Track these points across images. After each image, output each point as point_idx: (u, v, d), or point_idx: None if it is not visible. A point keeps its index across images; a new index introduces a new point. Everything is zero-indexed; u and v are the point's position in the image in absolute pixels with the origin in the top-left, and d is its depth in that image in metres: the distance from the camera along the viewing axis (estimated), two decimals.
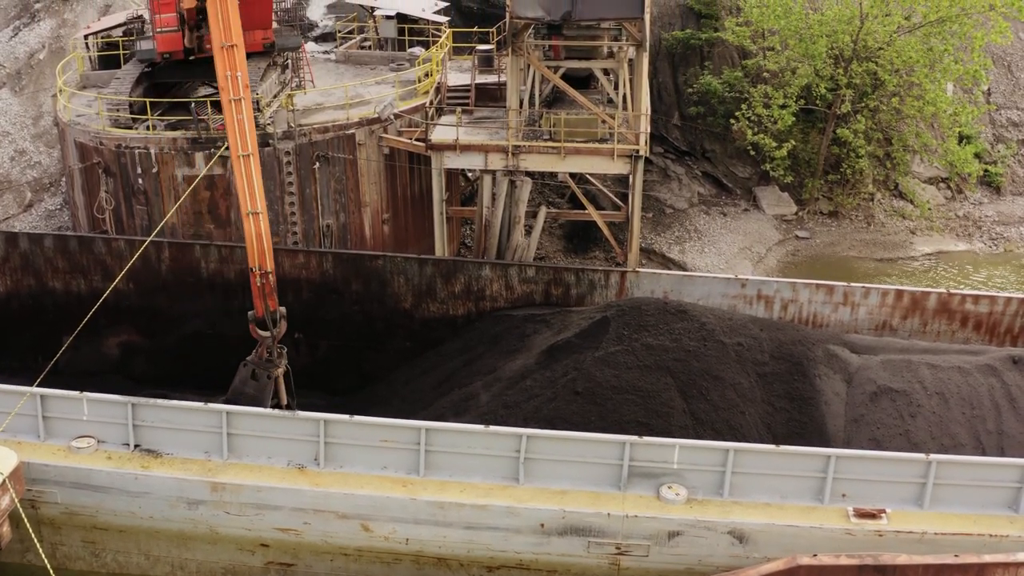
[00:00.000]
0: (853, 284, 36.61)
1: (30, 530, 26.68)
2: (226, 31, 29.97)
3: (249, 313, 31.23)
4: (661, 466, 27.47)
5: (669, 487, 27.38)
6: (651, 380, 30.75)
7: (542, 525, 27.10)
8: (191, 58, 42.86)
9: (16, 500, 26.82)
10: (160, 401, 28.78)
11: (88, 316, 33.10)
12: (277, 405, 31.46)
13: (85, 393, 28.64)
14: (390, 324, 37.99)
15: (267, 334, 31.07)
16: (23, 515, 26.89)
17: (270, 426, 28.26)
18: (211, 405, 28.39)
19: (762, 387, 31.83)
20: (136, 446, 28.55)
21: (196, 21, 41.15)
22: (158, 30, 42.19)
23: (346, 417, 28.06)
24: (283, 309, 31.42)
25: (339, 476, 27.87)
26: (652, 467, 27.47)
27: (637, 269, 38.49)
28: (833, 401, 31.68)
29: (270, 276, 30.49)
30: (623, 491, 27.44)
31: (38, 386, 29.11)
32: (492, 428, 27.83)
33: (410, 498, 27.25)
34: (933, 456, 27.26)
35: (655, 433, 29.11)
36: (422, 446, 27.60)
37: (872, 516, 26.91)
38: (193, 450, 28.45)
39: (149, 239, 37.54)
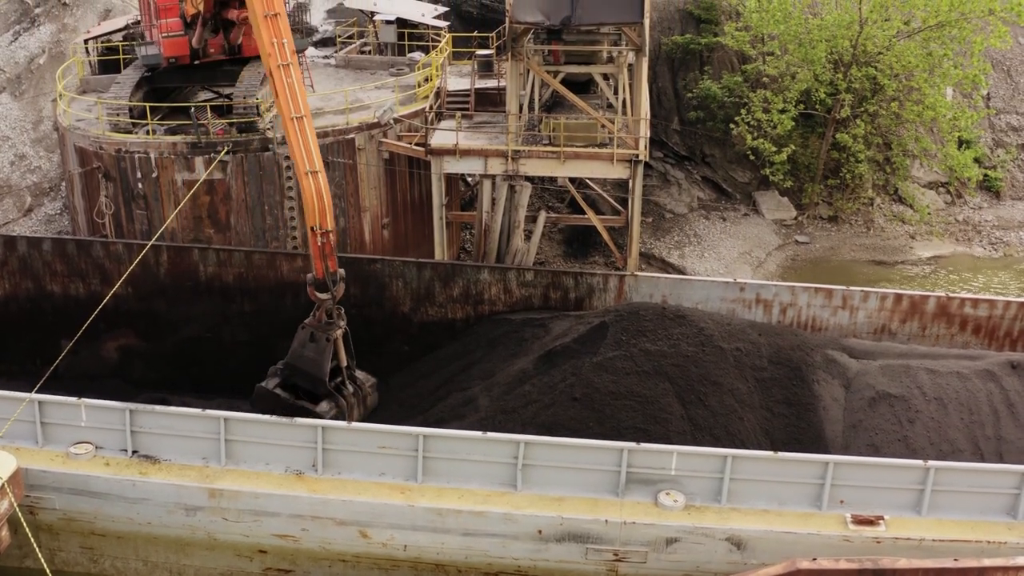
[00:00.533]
0: (852, 288, 36.62)
1: (29, 534, 26.69)
2: (267, 2, 30.87)
3: (308, 276, 31.57)
4: (659, 473, 27.48)
5: (667, 494, 27.38)
6: (649, 386, 30.76)
7: (540, 532, 27.11)
8: (196, 62, 42.92)
9: (15, 504, 26.84)
10: (158, 407, 28.79)
11: (88, 322, 33.19)
12: (337, 368, 31.71)
13: (83, 399, 28.66)
14: (388, 328, 38.02)
15: (326, 296, 31.25)
16: (22, 519, 26.90)
17: (268, 432, 28.26)
18: (209, 411, 28.37)
19: (760, 393, 31.84)
20: (134, 452, 28.58)
21: (212, 14, 41.41)
22: (164, 35, 42.16)
23: (343, 424, 28.12)
24: (342, 271, 31.79)
25: (337, 482, 27.86)
26: (650, 474, 27.48)
27: (636, 273, 38.48)
28: (831, 407, 31.69)
29: (330, 235, 30.84)
30: (621, 498, 27.44)
31: (38, 391, 29.16)
32: (490, 435, 27.82)
33: (408, 504, 27.27)
34: (931, 463, 27.25)
35: (653, 439, 29.11)
36: (420, 453, 27.61)
37: (870, 523, 26.94)
38: (191, 456, 28.45)
39: (150, 243, 37.65)
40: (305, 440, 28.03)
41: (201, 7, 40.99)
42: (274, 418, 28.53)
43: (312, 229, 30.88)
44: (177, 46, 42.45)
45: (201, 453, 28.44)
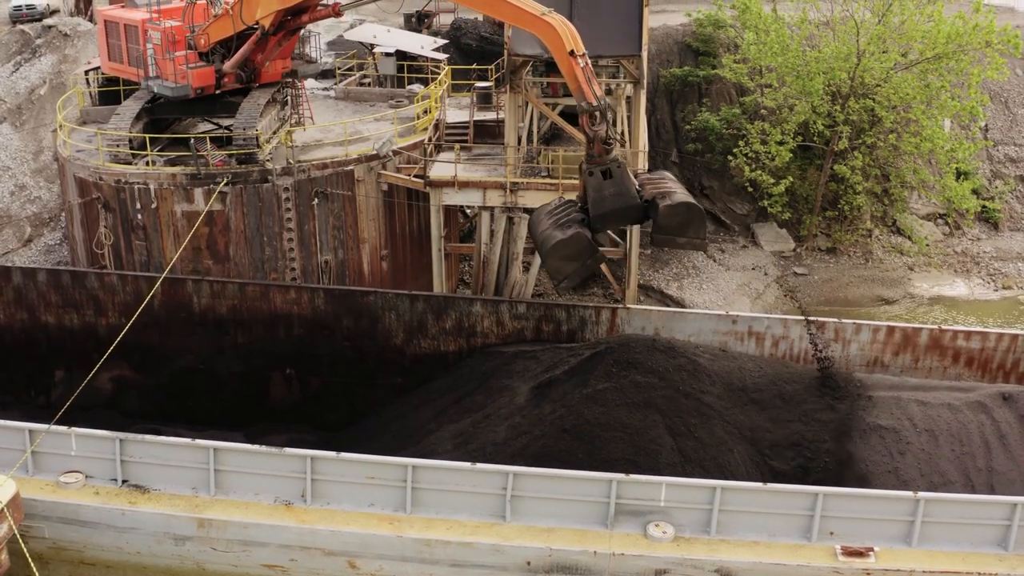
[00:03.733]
0: (844, 320, 36.55)
1: (28, 558, 26.63)
2: None
3: (580, 104, 31.25)
4: (648, 504, 27.42)
5: (656, 525, 27.30)
6: (639, 417, 30.66)
7: (528, 563, 27.04)
8: (218, 91, 43.16)
9: (15, 528, 26.80)
10: (148, 437, 28.83)
11: (104, 358, 33.79)
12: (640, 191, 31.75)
13: (73, 428, 28.74)
14: (381, 360, 37.98)
15: (600, 125, 31.02)
16: (22, 543, 26.84)
17: (257, 462, 28.28)
18: (198, 441, 28.41)
19: (751, 424, 31.77)
20: (124, 481, 28.60)
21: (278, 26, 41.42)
22: (191, 66, 42.34)
23: (333, 454, 28.08)
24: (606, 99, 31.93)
25: (326, 513, 27.86)
26: (639, 505, 27.42)
27: (628, 305, 38.37)
28: (822, 438, 31.56)
29: (587, 58, 31.21)
30: (610, 529, 27.38)
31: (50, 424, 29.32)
32: (479, 466, 27.81)
33: (396, 535, 27.24)
34: (921, 494, 27.21)
35: (643, 471, 29.00)
36: (409, 483, 27.59)
37: (860, 554, 26.86)
38: (180, 486, 28.46)
39: (162, 277, 37.78)
40: (294, 470, 28.04)
41: (267, 22, 40.75)
42: (263, 448, 28.55)
43: (571, 54, 30.94)
44: (204, 76, 42.72)
45: (190, 483, 28.45)
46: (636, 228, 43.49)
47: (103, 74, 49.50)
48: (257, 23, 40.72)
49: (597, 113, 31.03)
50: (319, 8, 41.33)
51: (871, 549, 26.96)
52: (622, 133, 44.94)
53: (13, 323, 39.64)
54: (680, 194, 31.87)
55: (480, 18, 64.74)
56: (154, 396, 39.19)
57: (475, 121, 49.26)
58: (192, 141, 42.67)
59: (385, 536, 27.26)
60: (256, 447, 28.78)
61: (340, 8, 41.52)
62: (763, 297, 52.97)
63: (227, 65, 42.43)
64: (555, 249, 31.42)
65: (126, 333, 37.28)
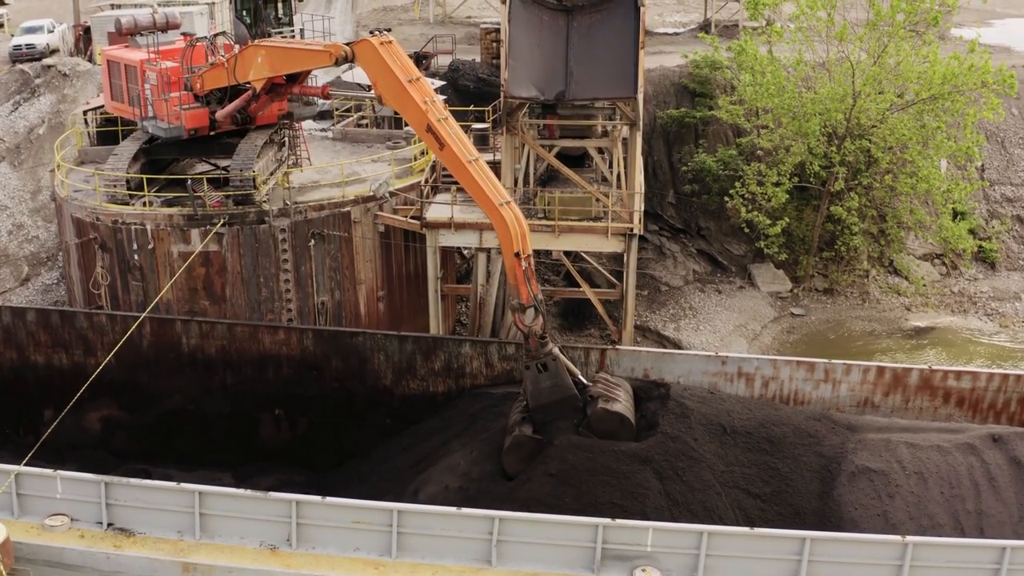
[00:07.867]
0: (834, 361, 36.39)
1: None
2: (406, 70, 33.77)
3: (514, 302, 32.25)
4: (635, 549, 27.20)
5: (643, 570, 27.03)
6: (626, 461, 30.65)
7: None
8: (212, 133, 43.40)
9: (4, 572, 26.77)
10: (133, 480, 28.74)
11: (79, 394, 33.49)
12: (576, 379, 32.88)
13: (59, 471, 28.69)
14: (370, 401, 37.89)
15: (536, 321, 32.07)
16: None
17: (242, 506, 28.12)
18: (184, 485, 28.33)
19: (739, 467, 31.68)
20: (109, 525, 28.50)
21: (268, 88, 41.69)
22: (185, 107, 42.59)
23: (318, 498, 27.96)
24: (540, 295, 32.59)
25: (311, 558, 27.64)
26: (625, 550, 27.20)
27: (618, 347, 38.17)
28: (811, 481, 31.49)
29: (531, 259, 32.07)
30: (596, 574, 27.18)
31: (27, 463, 29.24)
32: (464, 510, 27.65)
33: None
34: (909, 538, 26.98)
35: (630, 515, 28.89)
36: (394, 528, 27.40)
37: None
38: (166, 529, 28.28)
39: (142, 316, 37.79)
40: (279, 514, 27.90)
41: (258, 85, 40.82)
42: (248, 492, 28.43)
43: (516, 255, 31.75)
44: (198, 118, 42.94)
45: (176, 527, 28.28)
46: (633, 270, 43.52)
47: (102, 114, 49.79)
48: (249, 83, 41.08)
49: (531, 309, 32.19)
50: (307, 84, 41.93)
51: None
52: (618, 176, 45.01)
53: (2, 362, 39.77)
54: (621, 404, 32.59)
55: (478, 60, 65.10)
56: (143, 436, 39.15)
57: None
58: (189, 182, 42.83)
59: None
60: (241, 491, 28.68)
61: (328, 93, 42.38)
62: (760, 338, 52.96)
63: (219, 115, 42.71)
64: (506, 454, 32.28)
65: (113, 372, 37.52)
